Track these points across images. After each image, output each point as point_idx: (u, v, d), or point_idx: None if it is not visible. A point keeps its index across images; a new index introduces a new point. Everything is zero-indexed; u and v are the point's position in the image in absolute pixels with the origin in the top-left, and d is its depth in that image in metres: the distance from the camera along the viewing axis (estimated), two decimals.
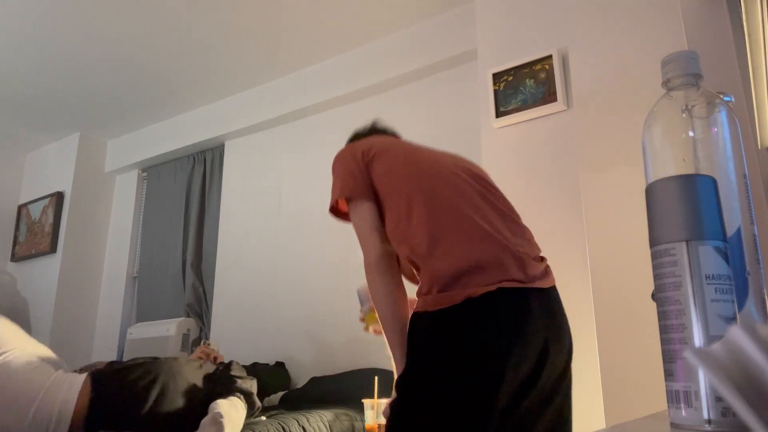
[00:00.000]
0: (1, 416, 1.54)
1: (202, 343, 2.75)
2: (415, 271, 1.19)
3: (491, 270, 1.05)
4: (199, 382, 1.80)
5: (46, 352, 1.75)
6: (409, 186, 1.19)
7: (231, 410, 1.71)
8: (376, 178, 1.25)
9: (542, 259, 1.19)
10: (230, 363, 1.98)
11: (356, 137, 1.51)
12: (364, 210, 1.23)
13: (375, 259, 1.17)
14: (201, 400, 1.76)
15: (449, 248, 1.09)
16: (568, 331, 1.16)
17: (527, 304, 1.05)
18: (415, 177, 1.20)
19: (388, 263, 1.18)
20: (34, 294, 3.90)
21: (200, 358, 2.40)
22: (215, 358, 2.50)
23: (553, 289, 1.15)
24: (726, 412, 0.41)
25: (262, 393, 2.31)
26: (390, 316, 1.13)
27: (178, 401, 1.70)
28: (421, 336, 1.07)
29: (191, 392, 1.75)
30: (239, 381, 1.87)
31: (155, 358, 1.83)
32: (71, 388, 1.61)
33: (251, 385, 1.90)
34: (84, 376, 1.67)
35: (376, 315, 1.18)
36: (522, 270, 1.08)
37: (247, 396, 1.84)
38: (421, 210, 1.15)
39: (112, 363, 1.82)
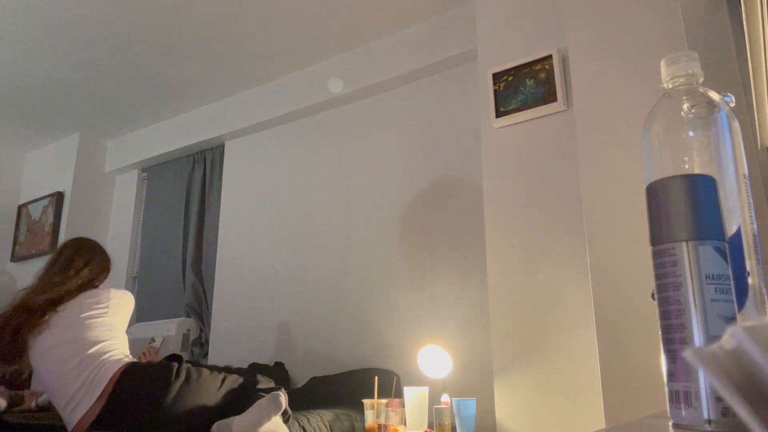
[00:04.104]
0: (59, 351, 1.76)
1: (149, 342, 3.08)
2: None
3: None
4: (216, 399, 1.81)
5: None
6: None
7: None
8: None
9: None
10: (255, 376, 1.95)
11: None
12: None
13: None
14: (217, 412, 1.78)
15: None
16: None
17: None
18: None
19: None
20: None
21: (139, 358, 2.49)
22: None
23: None
24: (726, 412, 0.41)
25: None
26: None
27: (194, 404, 1.73)
28: None
29: (208, 405, 1.77)
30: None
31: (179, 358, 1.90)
32: (114, 364, 1.78)
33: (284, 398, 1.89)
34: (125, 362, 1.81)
35: None
36: None
37: (284, 414, 1.83)
38: None
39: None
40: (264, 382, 1.89)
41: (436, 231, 2.67)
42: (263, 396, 1.78)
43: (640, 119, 1.62)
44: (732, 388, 0.25)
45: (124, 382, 1.73)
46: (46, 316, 1.81)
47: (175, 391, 1.72)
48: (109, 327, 1.88)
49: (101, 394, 1.71)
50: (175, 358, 2.05)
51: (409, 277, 2.69)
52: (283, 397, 1.75)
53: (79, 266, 1.96)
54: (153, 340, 3.15)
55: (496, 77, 2.27)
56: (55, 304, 1.84)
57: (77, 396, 1.72)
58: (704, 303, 0.44)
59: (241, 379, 1.89)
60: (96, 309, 1.87)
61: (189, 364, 1.84)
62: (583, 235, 1.92)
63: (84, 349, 1.78)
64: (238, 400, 1.79)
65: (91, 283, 1.97)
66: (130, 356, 1.90)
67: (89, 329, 1.82)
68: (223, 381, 1.85)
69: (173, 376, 1.75)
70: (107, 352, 1.80)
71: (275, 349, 3.06)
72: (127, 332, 2.85)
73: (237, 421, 1.67)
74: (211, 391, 1.79)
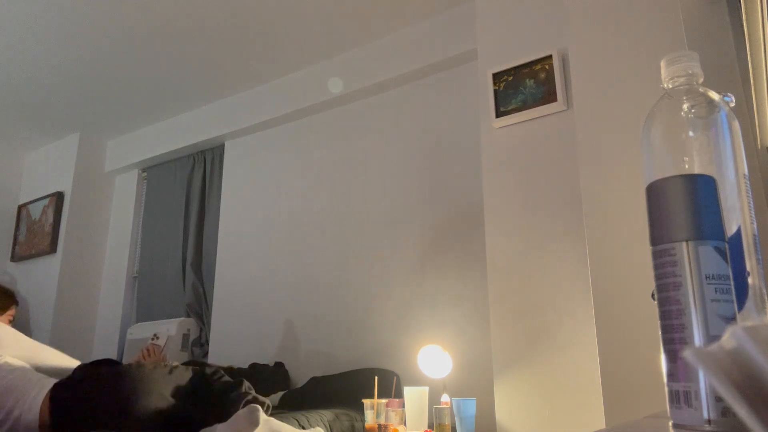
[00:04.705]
0: None
1: (151, 339, 3.04)
2: None
3: None
4: (168, 395, 1.68)
5: (47, 356, 1.76)
6: None
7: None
8: None
9: None
10: (206, 371, 1.88)
11: None
12: None
13: None
14: (176, 414, 1.66)
15: None
16: None
17: None
18: None
19: None
20: (34, 294, 3.90)
21: (143, 357, 2.41)
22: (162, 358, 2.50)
23: None
24: (726, 412, 0.41)
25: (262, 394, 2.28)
26: None
27: (147, 411, 1.62)
28: None
29: (161, 405, 1.64)
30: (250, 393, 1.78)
31: (118, 364, 1.77)
32: (36, 399, 1.60)
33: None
34: (47, 389, 1.63)
35: None
36: None
37: (263, 405, 1.78)
38: None
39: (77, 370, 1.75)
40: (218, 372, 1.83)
41: (436, 231, 2.67)
42: (247, 399, 1.71)
43: (640, 119, 1.62)
44: (732, 388, 0.25)
45: (59, 404, 1.60)
46: None
47: (113, 373, 1.63)
48: (10, 370, 1.67)
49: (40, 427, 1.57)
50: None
51: (409, 277, 2.69)
52: (260, 414, 1.61)
53: None
54: (156, 336, 3.12)
55: (496, 77, 2.27)
56: None
57: None
58: (704, 303, 0.44)
59: (189, 371, 1.79)
60: None
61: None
62: (583, 235, 1.92)
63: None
64: (202, 393, 1.72)
65: None
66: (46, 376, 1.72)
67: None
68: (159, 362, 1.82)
69: (94, 363, 1.73)
70: (19, 396, 1.61)
71: (275, 349, 3.06)
72: (127, 332, 2.84)
73: (219, 430, 1.63)
74: (151, 371, 1.69)
